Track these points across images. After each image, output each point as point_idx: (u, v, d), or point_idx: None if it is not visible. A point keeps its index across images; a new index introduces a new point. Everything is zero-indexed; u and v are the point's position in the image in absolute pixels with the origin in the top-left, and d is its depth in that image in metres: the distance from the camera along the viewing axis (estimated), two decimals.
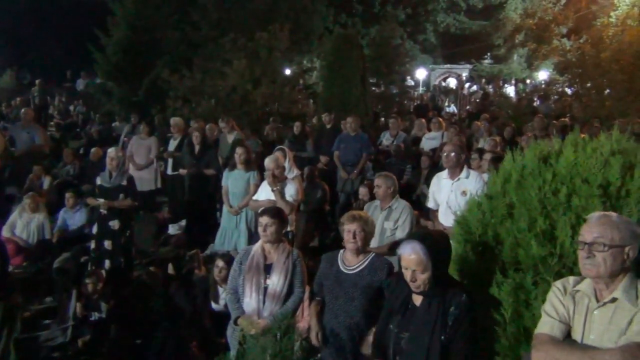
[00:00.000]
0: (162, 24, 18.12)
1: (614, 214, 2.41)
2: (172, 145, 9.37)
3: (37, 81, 19.14)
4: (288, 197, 5.96)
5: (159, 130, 10.97)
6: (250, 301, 4.11)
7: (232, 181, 6.94)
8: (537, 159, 3.07)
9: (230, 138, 9.16)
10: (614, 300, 2.33)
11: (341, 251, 4.00)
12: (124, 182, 6.60)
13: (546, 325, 2.45)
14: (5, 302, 4.65)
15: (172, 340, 4.99)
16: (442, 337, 2.80)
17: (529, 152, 3.15)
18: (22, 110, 10.96)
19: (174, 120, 9.66)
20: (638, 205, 2.68)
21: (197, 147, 8.54)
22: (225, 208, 7.00)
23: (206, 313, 5.53)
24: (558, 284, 2.52)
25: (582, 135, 3.18)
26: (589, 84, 16.35)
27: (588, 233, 2.35)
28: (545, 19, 28.33)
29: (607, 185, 2.79)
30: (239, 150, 6.98)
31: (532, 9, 28.52)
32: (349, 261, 3.92)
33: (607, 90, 16.00)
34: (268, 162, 6.09)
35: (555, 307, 2.46)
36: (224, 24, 17.48)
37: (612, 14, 18.42)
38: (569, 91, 18.40)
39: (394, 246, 5.03)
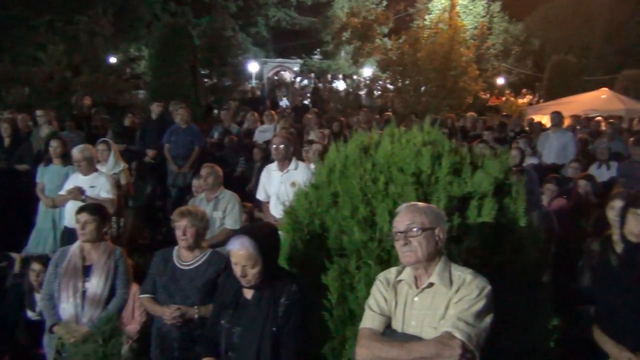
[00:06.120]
0: None
1: (418, 203, 2.57)
2: None
3: None
4: (104, 193, 5.62)
5: None
6: (67, 306, 3.80)
7: (48, 177, 6.40)
8: (358, 149, 3.20)
9: (45, 131, 8.38)
10: (430, 285, 2.42)
11: (176, 247, 3.85)
12: None
13: (367, 320, 2.51)
14: None
15: None
16: (274, 329, 2.81)
17: (351, 143, 3.29)
18: None
19: None
20: (445, 191, 2.92)
21: (7, 140, 7.71)
22: (40, 207, 6.43)
23: (20, 323, 5.03)
24: (381, 276, 2.59)
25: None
26: (407, 81, 17.67)
27: (400, 223, 2.46)
28: (368, 18, 30.12)
29: (420, 173, 2.99)
30: (54, 144, 6.45)
31: (357, 8, 30.12)
32: (185, 257, 3.78)
33: (423, 87, 17.47)
34: (75, 152, 5.74)
35: (377, 300, 2.52)
36: (38, 4, 15.93)
37: (426, 17, 20.19)
38: (390, 87, 19.68)
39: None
